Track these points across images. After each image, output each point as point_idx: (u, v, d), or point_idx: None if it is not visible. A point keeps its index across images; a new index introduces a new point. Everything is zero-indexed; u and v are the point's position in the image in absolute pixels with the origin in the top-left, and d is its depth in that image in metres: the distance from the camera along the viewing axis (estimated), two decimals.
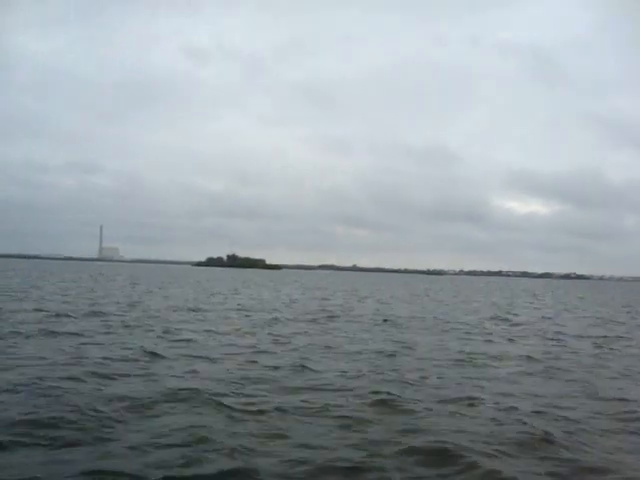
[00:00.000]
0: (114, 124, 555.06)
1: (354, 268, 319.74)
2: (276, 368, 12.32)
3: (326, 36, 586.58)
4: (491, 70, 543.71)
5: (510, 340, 19.28)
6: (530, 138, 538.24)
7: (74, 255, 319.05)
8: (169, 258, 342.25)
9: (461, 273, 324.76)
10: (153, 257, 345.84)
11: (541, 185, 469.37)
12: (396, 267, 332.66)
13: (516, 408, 9.41)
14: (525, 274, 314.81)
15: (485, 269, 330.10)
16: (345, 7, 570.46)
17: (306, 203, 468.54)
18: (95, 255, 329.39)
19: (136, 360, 12.64)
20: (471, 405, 9.69)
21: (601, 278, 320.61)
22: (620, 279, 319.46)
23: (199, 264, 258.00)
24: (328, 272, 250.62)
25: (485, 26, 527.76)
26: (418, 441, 7.52)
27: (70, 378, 10.42)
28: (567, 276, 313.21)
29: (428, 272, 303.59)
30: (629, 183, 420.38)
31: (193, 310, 26.34)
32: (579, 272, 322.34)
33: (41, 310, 22.82)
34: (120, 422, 7.96)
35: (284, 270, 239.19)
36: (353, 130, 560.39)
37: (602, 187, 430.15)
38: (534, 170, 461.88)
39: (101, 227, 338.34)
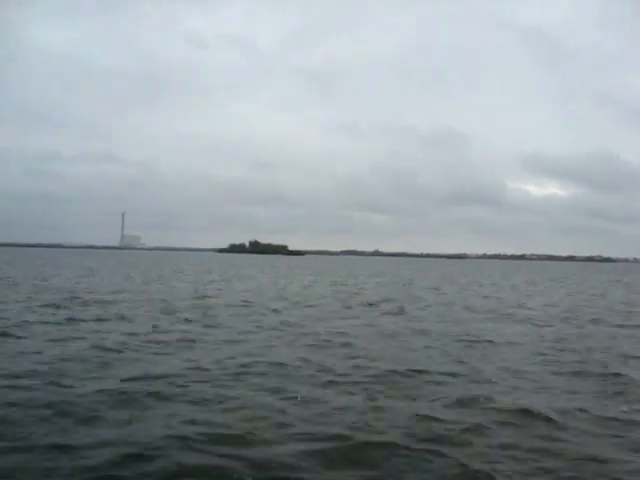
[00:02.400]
0: (130, 113, 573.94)
1: (376, 253, 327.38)
2: None
3: (335, 21, 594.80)
4: (503, 52, 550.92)
5: None
6: (543, 120, 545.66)
7: (97, 244, 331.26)
8: (191, 245, 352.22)
9: (484, 257, 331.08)
10: (175, 244, 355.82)
11: (556, 167, 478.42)
12: (418, 252, 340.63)
13: None
14: (550, 257, 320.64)
15: (509, 252, 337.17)
16: None
17: (322, 188, 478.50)
18: (117, 243, 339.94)
19: None
20: None
21: (626, 260, 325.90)
22: None
23: (222, 250, 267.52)
24: (358, 257, 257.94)
25: (495, 8, 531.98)
26: None
27: None
28: (591, 259, 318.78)
29: (450, 256, 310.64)
30: None
31: None
32: (604, 254, 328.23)
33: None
34: None
35: (307, 256, 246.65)
36: (364, 115, 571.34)
37: (619, 169, 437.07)
38: (549, 153, 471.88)
39: (123, 215, 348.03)
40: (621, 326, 19.71)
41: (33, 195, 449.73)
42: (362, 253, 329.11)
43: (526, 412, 8.44)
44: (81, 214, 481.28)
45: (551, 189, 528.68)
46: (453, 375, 10.99)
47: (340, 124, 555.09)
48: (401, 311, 22.83)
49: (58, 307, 20.69)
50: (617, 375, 11.26)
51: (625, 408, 8.92)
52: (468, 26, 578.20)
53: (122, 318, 18.07)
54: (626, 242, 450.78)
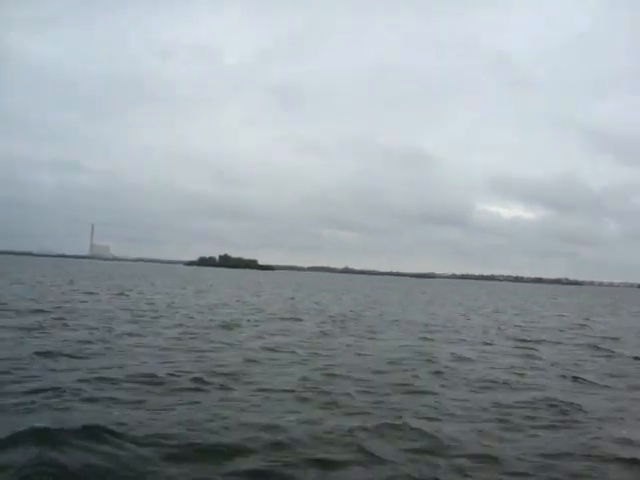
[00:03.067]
0: (98, 123, 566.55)
1: (346, 270, 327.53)
2: None
3: (306, 39, 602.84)
4: (471, 77, 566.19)
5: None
6: (510, 145, 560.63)
7: (67, 253, 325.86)
8: (160, 257, 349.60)
9: (453, 277, 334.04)
10: (144, 256, 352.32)
11: (523, 190, 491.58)
12: (387, 270, 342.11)
13: None
14: (518, 279, 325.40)
15: (477, 273, 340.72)
16: (326, 12, 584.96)
17: (290, 204, 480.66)
18: (87, 253, 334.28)
19: None
20: None
21: (592, 283, 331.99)
22: (610, 284, 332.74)
23: (191, 263, 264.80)
24: (332, 274, 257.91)
25: (464, 33, 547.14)
26: None
27: None
28: (558, 281, 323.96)
29: (419, 275, 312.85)
30: (608, 190, 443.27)
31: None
32: (570, 277, 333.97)
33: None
34: None
35: (278, 271, 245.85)
36: (332, 133, 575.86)
37: (584, 193, 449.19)
38: (516, 176, 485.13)
39: (92, 225, 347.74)
40: None
41: (2, 202, 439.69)
42: (332, 270, 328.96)
43: None
44: (51, 222, 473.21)
45: (518, 211, 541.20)
46: None
47: (308, 141, 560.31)
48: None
49: None
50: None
51: None
52: (437, 50, 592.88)
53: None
54: (594, 265, 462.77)
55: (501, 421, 9.29)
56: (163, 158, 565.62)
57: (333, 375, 12.47)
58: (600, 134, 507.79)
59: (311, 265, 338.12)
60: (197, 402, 9.60)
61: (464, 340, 20.76)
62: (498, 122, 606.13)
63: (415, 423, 8.73)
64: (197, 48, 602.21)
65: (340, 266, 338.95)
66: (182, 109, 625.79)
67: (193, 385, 10.83)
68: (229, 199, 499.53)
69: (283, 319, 25.72)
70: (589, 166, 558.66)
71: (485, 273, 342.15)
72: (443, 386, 11.97)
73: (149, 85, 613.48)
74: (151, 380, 10.97)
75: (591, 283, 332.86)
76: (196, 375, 11.55)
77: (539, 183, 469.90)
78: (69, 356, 13.08)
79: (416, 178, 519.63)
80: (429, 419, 9.20)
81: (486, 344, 19.81)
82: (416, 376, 12.89)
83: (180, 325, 20.88)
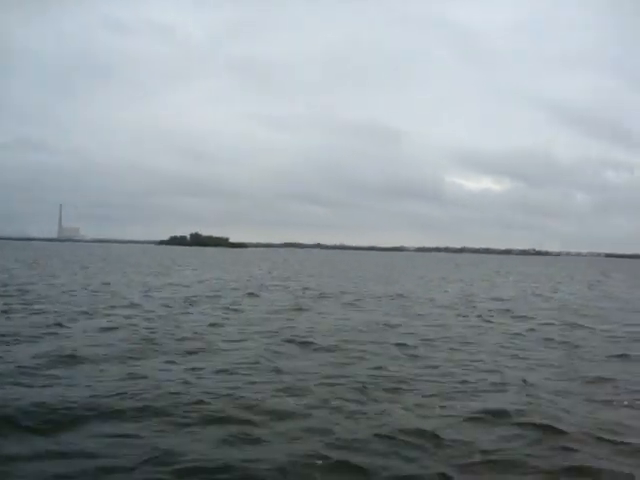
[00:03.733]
0: (61, 101, 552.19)
1: (318, 246, 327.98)
2: None
3: (272, 16, 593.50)
4: (437, 52, 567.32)
5: None
6: (477, 118, 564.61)
7: (34, 235, 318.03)
8: (131, 237, 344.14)
9: (423, 250, 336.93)
10: (115, 236, 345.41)
11: (490, 163, 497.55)
12: (358, 244, 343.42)
13: None
14: (488, 250, 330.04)
15: (447, 245, 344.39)
16: None
17: (260, 181, 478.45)
18: (55, 235, 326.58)
19: None
20: None
21: (559, 254, 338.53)
22: (578, 254, 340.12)
23: (162, 242, 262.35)
24: (309, 250, 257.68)
25: (431, 8, 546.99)
26: None
27: None
28: (526, 252, 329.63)
29: (389, 249, 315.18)
30: (576, 162, 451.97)
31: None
32: (538, 248, 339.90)
33: None
34: None
35: (250, 249, 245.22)
36: (300, 109, 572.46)
37: (550, 165, 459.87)
38: (482, 148, 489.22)
39: (60, 206, 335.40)
40: None
41: None
42: (303, 246, 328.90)
43: None
44: (16, 204, 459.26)
45: (487, 184, 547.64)
46: None
47: (275, 118, 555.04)
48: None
49: None
50: None
51: None
52: (402, 25, 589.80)
53: None
54: (561, 236, 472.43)
55: None
56: (130, 136, 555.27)
57: None
58: (567, 108, 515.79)
59: (283, 241, 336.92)
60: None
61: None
62: (464, 96, 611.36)
63: None
64: (159, 25, 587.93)
65: (312, 242, 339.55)
66: (147, 86, 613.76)
67: None
68: (198, 177, 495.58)
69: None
70: (557, 140, 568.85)
71: (455, 245, 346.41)
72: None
73: (113, 63, 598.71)
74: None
75: (559, 254, 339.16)
76: None
77: (507, 156, 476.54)
78: None
79: (384, 153, 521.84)
80: None
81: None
82: None
83: None
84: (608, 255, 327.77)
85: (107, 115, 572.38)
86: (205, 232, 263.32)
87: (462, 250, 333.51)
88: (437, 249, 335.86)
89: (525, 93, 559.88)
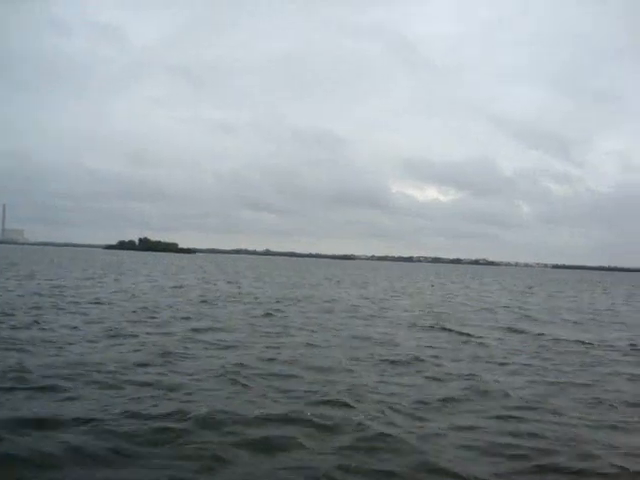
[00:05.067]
0: (7, 102, 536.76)
1: (267, 252, 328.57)
2: None
3: (220, 21, 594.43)
4: (385, 63, 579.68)
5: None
6: (422, 128, 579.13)
7: None
8: (77, 241, 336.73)
9: (373, 258, 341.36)
10: (61, 239, 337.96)
11: (438, 173, 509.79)
12: (307, 252, 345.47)
13: None
14: (437, 260, 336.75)
15: (397, 254, 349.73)
16: None
17: (210, 186, 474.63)
18: None
19: None
20: None
21: (508, 264, 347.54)
22: (526, 265, 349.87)
23: (110, 247, 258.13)
24: (248, 256, 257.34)
25: (379, 21, 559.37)
26: None
27: None
28: (477, 262, 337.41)
29: (339, 257, 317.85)
30: (519, 173, 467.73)
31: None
32: (489, 258, 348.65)
33: None
34: None
35: (199, 254, 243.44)
36: (247, 115, 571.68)
37: (495, 176, 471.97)
38: (429, 159, 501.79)
39: (4, 206, 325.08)
40: None
41: None
42: (253, 252, 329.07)
43: None
44: None
45: (434, 194, 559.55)
46: None
47: (223, 123, 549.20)
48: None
49: None
50: None
51: None
52: (354, 35, 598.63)
53: None
54: (510, 247, 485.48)
55: None
56: (75, 138, 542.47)
57: None
58: (511, 120, 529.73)
59: (232, 248, 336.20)
60: None
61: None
62: (411, 107, 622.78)
63: None
64: (103, 27, 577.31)
65: (261, 248, 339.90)
66: (92, 89, 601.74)
67: None
68: (145, 181, 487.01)
69: None
70: (500, 150, 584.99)
71: (404, 254, 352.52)
72: None
73: (55, 64, 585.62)
74: None
75: (507, 264, 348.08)
76: None
77: (453, 166, 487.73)
78: None
79: (333, 161, 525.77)
80: None
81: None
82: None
83: None
84: (555, 266, 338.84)
85: (52, 116, 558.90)
86: (153, 237, 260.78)
87: (412, 259, 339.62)
88: (386, 258, 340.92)
89: (470, 105, 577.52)
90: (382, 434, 7.62)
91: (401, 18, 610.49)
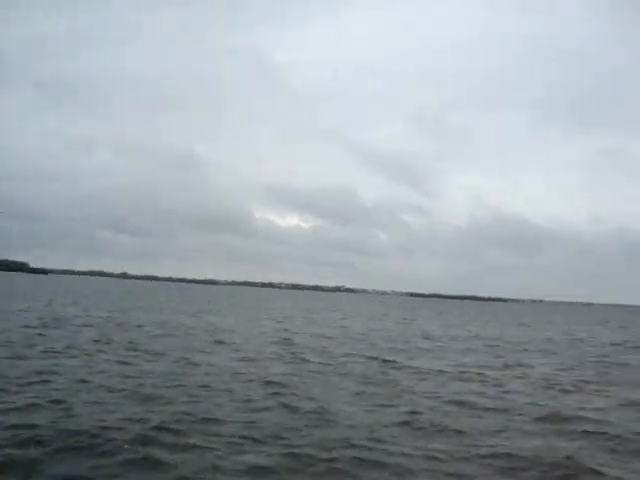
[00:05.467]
0: None
1: (124, 275, 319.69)
2: None
3: (80, 36, 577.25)
4: (247, 86, 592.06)
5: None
6: (285, 155, 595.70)
7: None
8: None
9: (234, 283, 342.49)
10: None
11: (299, 200, 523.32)
12: (167, 275, 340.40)
13: None
14: (296, 286, 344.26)
15: (258, 280, 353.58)
16: (106, 11, 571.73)
17: (65, 205, 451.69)
18: None
19: None
20: None
21: (365, 292, 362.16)
22: (383, 293, 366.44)
23: None
24: (104, 279, 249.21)
25: (242, 44, 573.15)
26: None
27: None
28: (337, 289, 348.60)
29: (201, 281, 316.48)
30: (378, 203, 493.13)
31: None
32: (348, 285, 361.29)
33: None
34: None
35: (51, 275, 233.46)
36: (109, 134, 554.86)
37: (355, 205, 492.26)
38: (291, 185, 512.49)
39: None
40: None
41: None
42: (109, 275, 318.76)
43: None
44: None
45: (295, 220, 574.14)
46: None
47: (82, 140, 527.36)
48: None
49: None
50: None
51: None
52: (221, 59, 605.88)
53: None
54: (369, 274, 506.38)
55: None
56: None
57: None
58: (370, 152, 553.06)
59: (88, 269, 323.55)
60: None
61: None
62: (273, 133, 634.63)
63: None
64: None
65: (117, 271, 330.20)
66: None
67: None
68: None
69: None
70: (360, 181, 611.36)
71: (265, 280, 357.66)
72: None
73: None
74: None
75: (365, 291, 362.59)
76: None
77: (314, 194, 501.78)
78: None
79: (195, 183, 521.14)
80: None
81: None
82: None
83: None
84: (411, 294, 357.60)
85: None
86: (3, 256, 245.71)
87: (272, 285, 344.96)
88: (247, 283, 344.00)
89: (332, 134, 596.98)
90: None
91: (265, 44, 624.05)
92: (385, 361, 21.79)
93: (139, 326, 30.22)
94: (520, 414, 13.33)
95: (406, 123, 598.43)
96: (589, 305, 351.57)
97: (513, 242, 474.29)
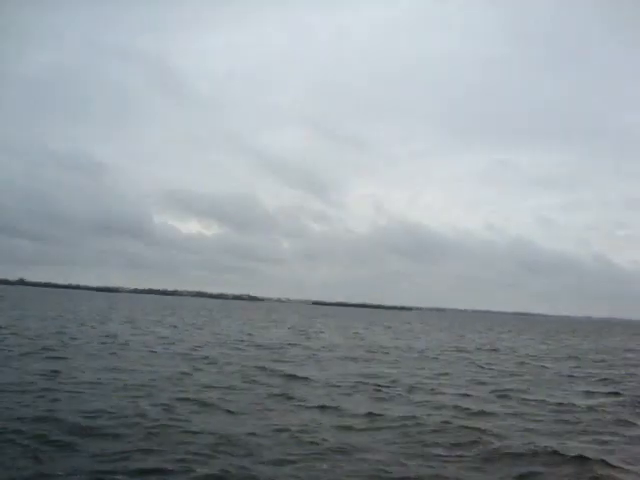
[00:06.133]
0: None
1: (21, 282, 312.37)
2: None
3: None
4: (149, 90, 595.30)
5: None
6: (185, 160, 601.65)
7: None
8: None
9: (136, 291, 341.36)
10: None
11: (200, 206, 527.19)
12: (66, 282, 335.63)
13: None
14: (200, 294, 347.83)
15: (161, 287, 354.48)
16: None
17: None
18: None
19: None
20: None
21: (269, 300, 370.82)
22: (287, 300, 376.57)
23: None
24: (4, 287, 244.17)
25: (145, 48, 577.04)
26: None
27: None
28: (240, 297, 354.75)
29: (102, 289, 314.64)
30: (280, 210, 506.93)
31: None
32: (252, 294, 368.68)
33: None
34: None
35: None
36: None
37: (257, 212, 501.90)
38: (192, 191, 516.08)
39: None
40: None
41: None
42: (4, 281, 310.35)
43: None
44: None
45: (194, 226, 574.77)
46: None
47: None
48: None
49: None
50: None
51: None
52: (122, 61, 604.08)
53: None
54: (271, 281, 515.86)
55: None
56: None
57: None
58: (271, 159, 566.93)
59: None
60: None
61: None
62: (173, 138, 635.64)
63: None
64: None
65: (14, 278, 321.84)
66: None
67: None
68: None
69: None
70: (262, 189, 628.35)
71: (169, 288, 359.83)
72: None
73: None
74: None
75: (269, 299, 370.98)
76: None
77: (215, 200, 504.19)
78: None
79: (94, 187, 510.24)
80: None
81: None
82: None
83: None
84: (315, 302, 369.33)
85: None
86: None
87: (176, 292, 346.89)
88: (150, 291, 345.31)
89: (233, 141, 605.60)
90: None
91: (168, 49, 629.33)
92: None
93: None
94: None
95: (309, 131, 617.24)
96: (489, 313, 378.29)
97: (415, 250, 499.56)
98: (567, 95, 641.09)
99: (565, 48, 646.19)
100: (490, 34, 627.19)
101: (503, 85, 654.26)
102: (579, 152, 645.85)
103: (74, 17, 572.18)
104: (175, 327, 48.64)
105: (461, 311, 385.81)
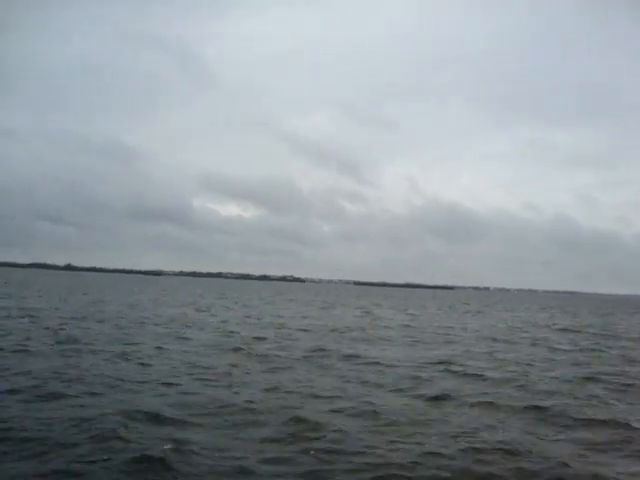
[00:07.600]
0: None
1: (69, 267, 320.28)
2: None
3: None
4: (180, 77, 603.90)
5: None
6: (222, 145, 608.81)
7: None
8: None
9: (181, 274, 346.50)
10: None
11: (235, 189, 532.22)
12: (114, 267, 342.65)
13: None
14: (245, 276, 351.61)
15: (205, 270, 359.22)
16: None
17: None
18: None
19: None
20: None
21: (312, 281, 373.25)
22: (329, 281, 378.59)
23: None
24: (47, 271, 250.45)
25: (175, 35, 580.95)
26: None
27: None
28: (284, 278, 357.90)
29: (146, 272, 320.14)
30: (314, 191, 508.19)
31: None
32: (296, 275, 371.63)
33: None
34: None
35: None
36: (35, 122, 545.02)
37: (293, 194, 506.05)
38: (227, 174, 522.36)
39: None
40: None
41: None
42: (53, 267, 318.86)
43: None
44: None
45: (232, 209, 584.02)
46: None
47: (8, 130, 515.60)
48: None
49: None
50: None
51: None
52: (153, 50, 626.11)
53: None
54: (312, 263, 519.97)
55: None
56: None
57: None
58: (305, 142, 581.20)
59: (30, 262, 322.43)
60: None
61: None
62: (207, 123, 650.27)
63: None
64: None
65: (62, 263, 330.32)
66: None
67: None
68: None
69: None
70: (295, 169, 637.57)
71: (213, 270, 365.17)
72: None
73: None
74: None
75: (312, 280, 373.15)
76: None
77: (251, 183, 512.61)
78: None
79: (129, 174, 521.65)
80: None
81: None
82: None
83: None
84: (357, 283, 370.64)
85: None
86: None
87: (221, 275, 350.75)
88: (195, 274, 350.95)
89: (267, 125, 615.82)
90: None
91: (199, 36, 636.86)
92: None
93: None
94: None
95: (341, 115, 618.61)
96: (533, 292, 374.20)
97: (453, 230, 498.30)
98: (606, 72, 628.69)
99: (600, 26, 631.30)
100: (525, 15, 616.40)
101: (539, 64, 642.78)
102: (619, 129, 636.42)
103: (104, 8, 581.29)
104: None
105: (505, 290, 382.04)
